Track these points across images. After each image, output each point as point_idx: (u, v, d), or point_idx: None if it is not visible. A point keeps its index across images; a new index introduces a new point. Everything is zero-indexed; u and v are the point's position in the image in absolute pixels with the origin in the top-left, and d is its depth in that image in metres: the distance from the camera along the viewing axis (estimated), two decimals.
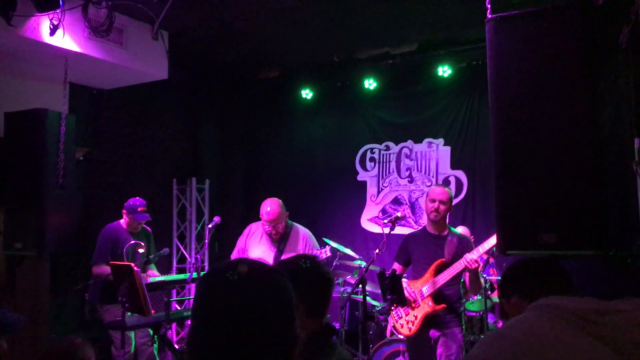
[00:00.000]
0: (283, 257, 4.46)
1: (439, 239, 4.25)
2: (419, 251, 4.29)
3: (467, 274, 4.11)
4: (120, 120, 6.82)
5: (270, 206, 4.45)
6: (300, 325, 1.29)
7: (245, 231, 4.75)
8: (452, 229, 4.36)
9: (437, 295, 4.14)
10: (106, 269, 4.90)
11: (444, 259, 4.17)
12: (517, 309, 1.83)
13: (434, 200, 4.21)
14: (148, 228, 5.47)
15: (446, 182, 6.95)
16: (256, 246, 4.63)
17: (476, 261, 3.95)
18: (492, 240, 3.86)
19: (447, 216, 4.32)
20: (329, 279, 1.96)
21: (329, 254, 4.40)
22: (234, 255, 4.74)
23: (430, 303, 4.13)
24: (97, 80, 6.16)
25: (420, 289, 4.18)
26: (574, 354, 1.27)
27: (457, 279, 4.20)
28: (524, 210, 2.71)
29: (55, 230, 4.91)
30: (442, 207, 4.19)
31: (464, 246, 4.17)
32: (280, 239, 4.52)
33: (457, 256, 4.10)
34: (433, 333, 4.15)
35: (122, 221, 5.37)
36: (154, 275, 5.19)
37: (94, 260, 5.19)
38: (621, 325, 1.27)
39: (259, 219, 4.71)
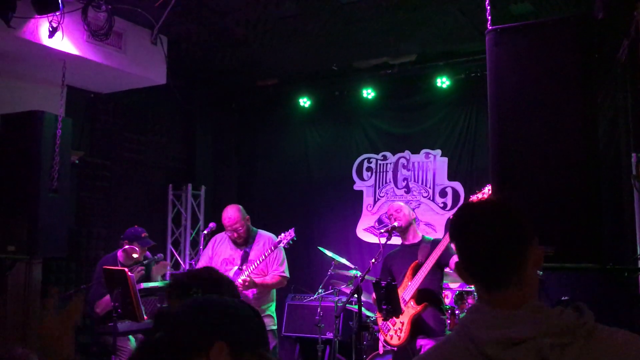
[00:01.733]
0: (250, 258, 4.67)
1: (413, 247, 4.44)
2: (397, 263, 4.47)
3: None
4: (117, 125, 6.79)
5: (229, 212, 4.76)
6: None
7: (211, 242, 4.98)
8: (426, 237, 4.55)
9: (419, 296, 4.24)
10: (105, 302, 4.68)
11: (417, 261, 4.31)
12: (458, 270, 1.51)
13: (390, 216, 4.55)
14: (148, 254, 5.19)
15: (443, 194, 6.95)
16: (223, 251, 4.84)
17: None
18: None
19: (415, 223, 4.59)
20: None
21: (292, 234, 4.62)
22: (201, 264, 4.86)
23: (413, 304, 4.22)
24: (95, 83, 6.14)
25: (401, 295, 4.25)
26: None
27: (435, 277, 4.32)
28: None
29: (48, 234, 4.86)
30: (398, 215, 4.47)
31: (436, 246, 4.30)
32: (244, 242, 4.77)
33: (430, 257, 4.26)
34: (419, 342, 4.18)
35: (119, 253, 5.01)
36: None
37: (91, 298, 4.91)
38: None
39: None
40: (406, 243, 4.53)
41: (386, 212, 4.62)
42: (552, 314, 1.31)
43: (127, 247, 4.88)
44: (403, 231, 4.48)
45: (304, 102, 7.70)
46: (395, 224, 4.39)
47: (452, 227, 1.43)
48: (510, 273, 1.35)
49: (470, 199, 4.32)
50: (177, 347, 1.28)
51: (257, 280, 4.61)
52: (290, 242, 4.63)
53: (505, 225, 1.36)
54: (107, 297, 4.54)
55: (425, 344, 4.16)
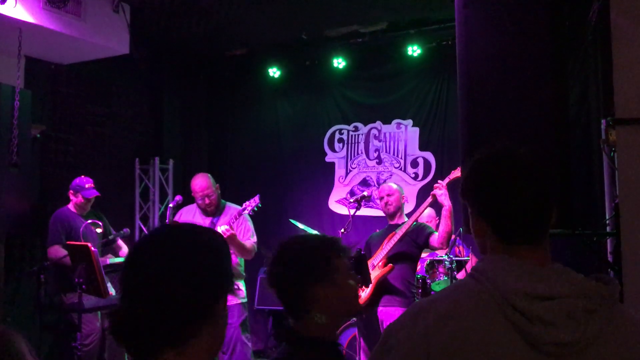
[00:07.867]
0: (216, 227, 4.58)
1: (394, 227, 4.50)
2: (377, 240, 4.55)
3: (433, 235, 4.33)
4: (80, 97, 6.57)
5: (198, 179, 4.74)
6: None
7: (177, 215, 4.93)
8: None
9: (388, 260, 4.34)
10: (61, 251, 4.70)
11: (393, 233, 4.38)
12: (478, 227, 1.38)
13: (382, 198, 4.60)
14: (99, 212, 5.23)
15: (414, 164, 6.91)
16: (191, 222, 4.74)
17: (443, 186, 4.22)
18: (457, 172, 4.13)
19: (404, 207, 4.66)
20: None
21: (257, 201, 4.56)
22: None
23: (380, 264, 4.33)
24: (55, 54, 5.90)
25: (371, 261, 4.35)
26: (487, 344, 1.22)
27: (409, 255, 4.38)
28: None
29: (10, 211, 4.72)
30: (389, 199, 4.54)
31: (415, 228, 4.40)
32: (214, 212, 4.73)
33: (407, 235, 4.33)
34: (381, 314, 4.23)
35: (70, 205, 5.05)
36: (123, 255, 5.04)
37: (47, 242, 4.94)
38: (547, 319, 1.20)
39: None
40: (391, 223, 4.60)
41: (378, 194, 4.69)
42: (580, 278, 1.28)
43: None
44: (391, 215, 4.56)
45: (274, 72, 7.54)
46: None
47: (476, 178, 1.35)
48: (543, 229, 1.31)
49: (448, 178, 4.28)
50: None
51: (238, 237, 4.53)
52: (255, 208, 4.57)
53: (540, 180, 1.31)
54: (57, 246, 4.82)
55: (385, 318, 4.18)
